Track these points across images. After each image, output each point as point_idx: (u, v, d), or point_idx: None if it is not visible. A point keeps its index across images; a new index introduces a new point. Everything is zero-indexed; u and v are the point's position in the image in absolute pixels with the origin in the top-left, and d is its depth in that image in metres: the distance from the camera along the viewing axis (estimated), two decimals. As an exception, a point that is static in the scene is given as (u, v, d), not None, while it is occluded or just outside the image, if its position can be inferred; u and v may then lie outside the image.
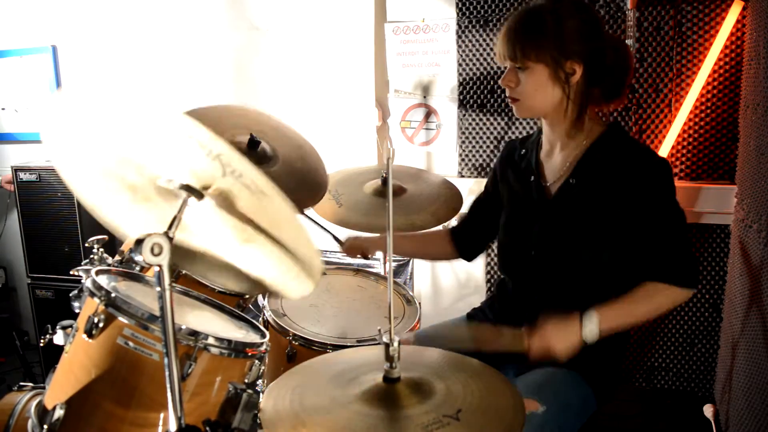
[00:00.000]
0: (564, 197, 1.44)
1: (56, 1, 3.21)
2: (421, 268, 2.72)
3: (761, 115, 1.69)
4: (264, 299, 1.88)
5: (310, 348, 1.71)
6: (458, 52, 2.46)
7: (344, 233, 1.93)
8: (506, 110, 2.43)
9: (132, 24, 3.05)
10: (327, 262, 2.65)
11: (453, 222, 2.18)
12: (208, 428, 1.10)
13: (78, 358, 1.24)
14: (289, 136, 1.86)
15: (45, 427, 1.18)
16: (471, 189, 2.40)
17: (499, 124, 2.46)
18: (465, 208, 1.94)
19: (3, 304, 3.57)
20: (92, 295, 1.23)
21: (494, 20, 2.38)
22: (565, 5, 1.36)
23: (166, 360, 0.88)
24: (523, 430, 0.86)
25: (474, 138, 2.52)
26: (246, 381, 1.31)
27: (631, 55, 1.46)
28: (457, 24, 2.44)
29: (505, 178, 1.63)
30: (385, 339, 0.93)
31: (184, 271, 1.70)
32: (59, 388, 1.24)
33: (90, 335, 1.20)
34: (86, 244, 1.72)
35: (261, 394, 1.16)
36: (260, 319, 1.86)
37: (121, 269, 1.53)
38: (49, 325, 1.47)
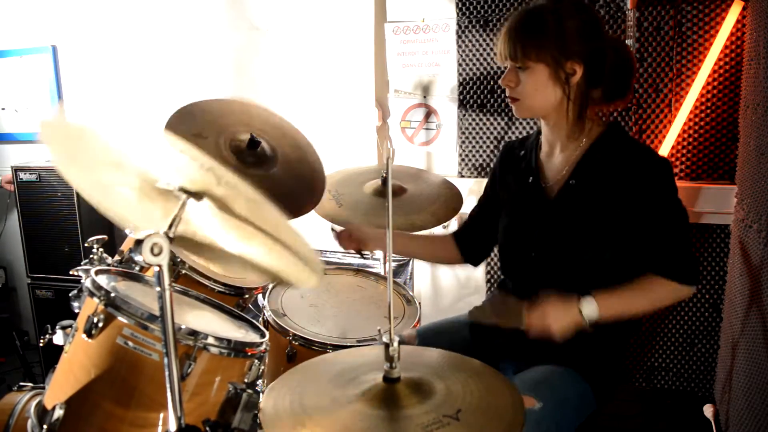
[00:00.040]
0: (564, 198, 1.44)
1: (56, 1, 3.21)
2: (421, 268, 2.71)
3: (761, 115, 1.69)
4: (264, 299, 1.88)
5: (310, 348, 1.71)
6: (458, 52, 2.46)
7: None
8: (506, 110, 2.43)
9: (132, 24, 3.05)
10: (327, 262, 2.65)
11: (453, 224, 2.18)
12: (207, 428, 1.10)
13: (77, 358, 1.24)
14: (290, 135, 1.86)
15: (44, 427, 1.19)
16: (471, 189, 2.40)
17: (499, 124, 2.46)
18: (465, 209, 1.95)
19: (3, 304, 3.57)
20: (92, 295, 1.23)
21: (494, 20, 2.38)
22: (565, 5, 1.36)
23: (165, 360, 0.88)
24: (520, 428, 0.86)
25: (474, 138, 2.52)
26: (246, 381, 1.32)
27: (632, 55, 1.46)
28: (457, 24, 2.44)
29: (504, 181, 1.63)
30: (385, 339, 0.92)
31: (183, 271, 1.70)
32: (59, 388, 1.24)
33: (89, 335, 1.20)
34: (86, 244, 1.73)
35: (261, 394, 1.16)
36: (260, 318, 1.86)
37: (120, 269, 1.53)
38: (48, 325, 1.47)
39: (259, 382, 1.35)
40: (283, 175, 1.75)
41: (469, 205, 1.81)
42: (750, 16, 1.94)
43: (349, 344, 1.73)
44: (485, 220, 1.70)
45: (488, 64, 2.42)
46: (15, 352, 2.99)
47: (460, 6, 2.43)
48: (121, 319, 1.20)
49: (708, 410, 1.97)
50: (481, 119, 2.49)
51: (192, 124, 1.65)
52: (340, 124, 2.73)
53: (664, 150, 2.16)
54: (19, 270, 3.46)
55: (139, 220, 0.92)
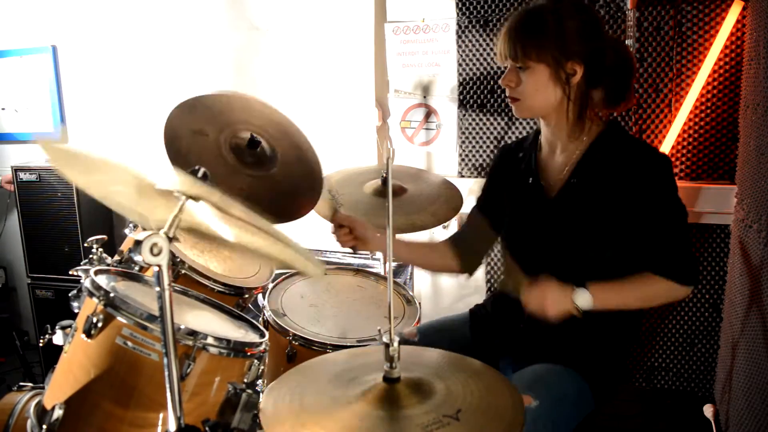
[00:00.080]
0: (566, 196, 1.44)
1: (56, 1, 3.21)
2: (421, 268, 2.71)
3: (761, 115, 1.69)
4: (264, 299, 1.88)
5: (310, 348, 1.71)
6: (458, 52, 2.46)
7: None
8: (506, 110, 2.43)
9: (132, 24, 3.05)
10: (327, 262, 2.65)
11: (453, 224, 2.18)
12: (207, 428, 1.10)
13: (77, 358, 1.24)
14: (289, 134, 1.86)
15: (44, 427, 1.18)
16: (471, 189, 2.40)
17: (499, 124, 2.45)
18: (465, 209, 1.94)
19: (3, 304, 3.56)
20: (91, 295, 1.23)
21: (494, 20, 2.38)
22: (565, 5, 1.36)
23: (165, 360, 0.88)
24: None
25: (474, 138, 2.51)
26: (245, 381, 1.32)
27: (632, 55, 1.46)
28: (457, 24, 2.44)
29: (502, 183, 1.62)
30: (385, 339, 0.92)
31: (183, 271, 1.70)
32: (58, 388, 1.24)
33: (89, 335, 1.20)
34: (86, 244, 1.73)
35: (261, 394, 1.16)
36: (260, 318, 1.86)
37: (120, 269, 1.53)
38: (48, 325, 1.47)
39: (259, 382, 1.35)
40: (282, 176, 1.75)
41: (468, 205, 1.81)
42: (750, 16, 1.94)
43: (349, 344, 1.73)
44: (482, 224, 1.69)
45: (488, 64, 2.42)
46: (15, 352, 2.99)
47: (460, 6, 2.42)
48: (121, 319, 1.20)
49: (708, 410, 1.97)
50: (481, 119, 2.49)
51: (193, 119, 1.64)
52: (340, 124, 2.73)
53: (664, 150, 2.16)
54: (19, 270, 3.46)
55: (142, 212, 0.92)
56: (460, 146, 2.55)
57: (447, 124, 2.55)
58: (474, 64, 2.45)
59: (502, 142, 2.45)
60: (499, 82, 1.45)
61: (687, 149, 2.16)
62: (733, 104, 2.07)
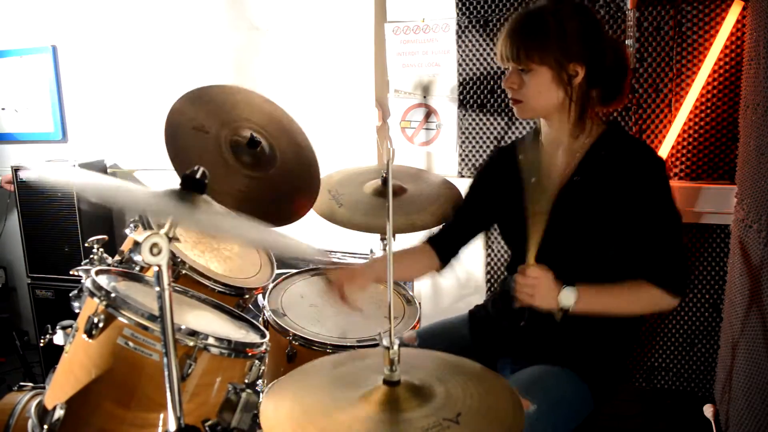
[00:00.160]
0: (567, 196, 1.44)
1: (56, 1, 3.21)
2: (421, 268, 2.71)
3: (761, 115, 1.69)
4: (264, 299, 1.88)
5: (310, 348, 1.71)
6: (458, 52, 2.46)
7: (344, 233, 1.92)
8: (506, 110, 2.43)
9: (132, 24, 3.05)
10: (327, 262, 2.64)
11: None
12: (207, 428, 1.10)
13: (78, 358, 1.24)
14: (289, 132, 1.86)
15: (45, 427, 1.19)
16: (471, 189, 2.40)
17: (499, 124, 2.45)
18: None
19: (3, 304, 3.56)
20: (92, 295, 1.23)
21: (494, 20, 2.38)
22: (566, 7, 1.36)
23: (165, 360, 0.89)
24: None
25: (474, 138, 2.51)
26: (246, 381, 1.32)
27: (628, 55, 1.46)
28: (457, 24, 2.44)
29: (499, 184, 1.61)
30: (385, 342, 0.92)
31: (183, 271, 1.70)
32: (59, 388, 1.24)
33: (90, 335, 1.20)
34: (86, 244, 1.73)
35: (261, 394, 1.16)
36: (260, 319, 1.86)
37: (120, 269, 1.53)
38: (49, 325, 1.47)
39: (259, 382, 1.35)
40: (280, 177, 1.75)
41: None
42: (750, 16, 1.94)
43: (349, 344, 1.73)
44: (466, 224, 1.69)
45: (488, 64, 2.42)
46: (15, 352, 2.99)
47: (460, 6, 2.42)
48: (122, 319, 1.20)
49: (708, 410, 1.97)
50: (481, 119, 2.49)
51: (195, 114, 1.64)
52: (340, 124, 2.73)
53: (664, 150, 2.16)
54: (19, 270, 3.46)
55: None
56: (460, 146, 2.55)
57: (447, 124, 2.55)
58: (474, 64, 2.45)
59: (502, 142, 2.45)
60: (502, 84, 1.45)
61: (687, 149, 2.16)
62: (733, 104, 2.06)
